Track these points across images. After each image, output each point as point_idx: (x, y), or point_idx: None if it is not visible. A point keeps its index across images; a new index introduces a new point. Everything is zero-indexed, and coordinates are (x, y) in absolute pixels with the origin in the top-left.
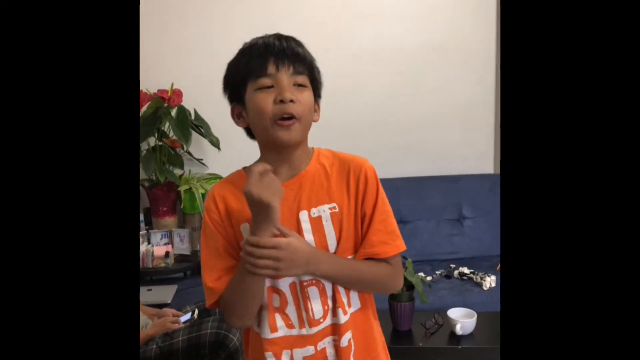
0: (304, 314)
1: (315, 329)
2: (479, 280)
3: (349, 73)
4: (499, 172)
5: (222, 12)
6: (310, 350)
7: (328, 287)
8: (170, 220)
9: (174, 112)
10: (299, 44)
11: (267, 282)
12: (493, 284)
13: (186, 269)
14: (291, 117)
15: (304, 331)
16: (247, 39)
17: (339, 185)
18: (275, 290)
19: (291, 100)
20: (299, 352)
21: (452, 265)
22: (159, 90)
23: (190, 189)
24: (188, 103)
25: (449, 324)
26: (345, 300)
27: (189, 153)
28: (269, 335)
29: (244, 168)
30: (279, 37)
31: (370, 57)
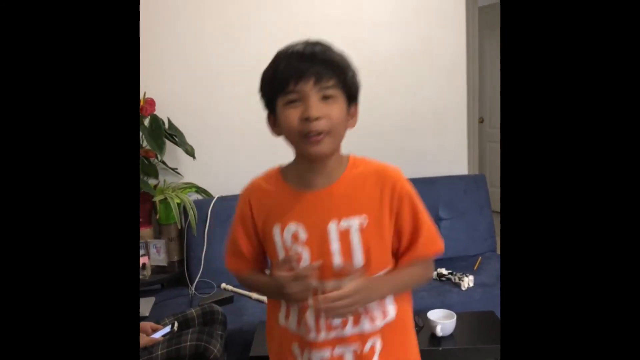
0: (322, 319)
1: (332, 334)
2: (457, 280)
3: None
4: (472, 172)
5: (194, 22)
6: (326, 354)
7: None
8: (146, 231)
9: (147, 122)
10: (325, 51)
11: None
12: (471, 284)
13: (163, 281)
14: (320, 133)
15: (322, 336)
16: (220, 47)
17: (371, 198)
18: None
19: (317, 118)
20: (316, 355)
21: None
22: None
23: (166, 199)
24: (161, 112)
25: (429, 325)
26: (378, 312)
27: (164, 162)
28: (294, 329)
29: (280, 168)
30: (304, 47)
31: None
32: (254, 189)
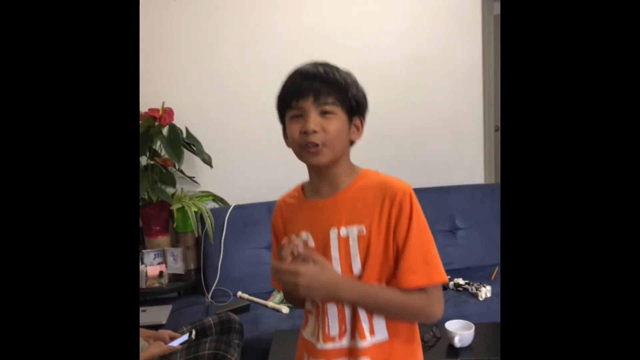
0: (320, 327)
1: (329, 345)
2: (474, 290)
3: None
4: (489, 182)
5: (212, 31)
6: None
7: (347, 309)
8: (163, 240)
9: (165, 131)
10: (327, 72)
11: None
12: (489, 294)
13: (180, 289)
14: (317, 145)
15: (319, 345)
16: (236, 58)
17: (371, 208)
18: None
19: (314, 131)
20: None
21: (448, 277)
22: (149, 110)
23: (183, 207)
24: (179, 121)
25: (447, 336)
26: (366, 326)
27: (181, 171)
28: (308, 337)
29: (302, 183)
30: (309, 68)
31: (359, 71)
32: (279, 204)
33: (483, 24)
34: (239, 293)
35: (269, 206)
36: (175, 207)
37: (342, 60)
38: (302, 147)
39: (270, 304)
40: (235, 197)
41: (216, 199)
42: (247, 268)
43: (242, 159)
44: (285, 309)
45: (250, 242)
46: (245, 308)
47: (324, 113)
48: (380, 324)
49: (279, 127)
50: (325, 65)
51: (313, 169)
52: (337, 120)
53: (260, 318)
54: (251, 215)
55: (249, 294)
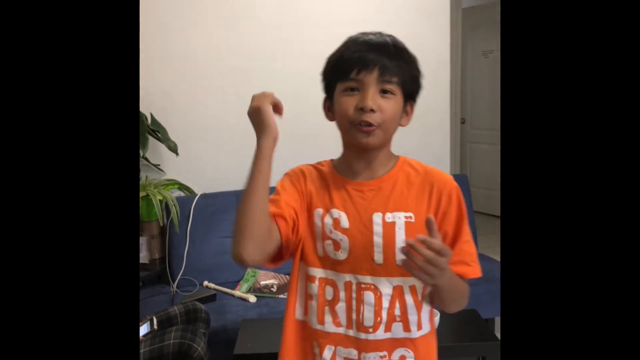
0: (354, 315)
1: (363, 335)
2: None
3: (304, 77)
4: (454, 172)
5: (177, 17)
6: (352, 353)
7: (385, 298)
8: None
9: None
10: (396, 47)
11: (322, 274)
12: None
13: (145, 278)
14: (371, 125)
15: (351, 332)
16: (202, 43)
17: (419, 197)
18: (330, 283)
19: (372, 110)
20: (342, 351)
21: None
22: None
23: (148, 195)
24: (144, 107)
25: None
26: (415, 319)
27: (146, 159)
28: (316, 325)
29: (331, 159)
30: (377, 38)
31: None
32: (309, 169)
33: (451, 17)
34: (205, 282)
35: (236, 195)
36: (139, 195)
37: (308, 49)
38: (354, 124)
39: (237, 293)
40: (201, 186)
41: (182, 187)
42: (213, 257)
43: (209, 147)
44: (252, 298)
45: (217, 231)
46: (211, 297)
47: (384, 91)
48: (425, 317)
49: (244, 113)
50: (392, 37)
51: (354, 149)
52: (395, 102)
53: (226, 307)
54: (218, 204)
55: (216, 284)
